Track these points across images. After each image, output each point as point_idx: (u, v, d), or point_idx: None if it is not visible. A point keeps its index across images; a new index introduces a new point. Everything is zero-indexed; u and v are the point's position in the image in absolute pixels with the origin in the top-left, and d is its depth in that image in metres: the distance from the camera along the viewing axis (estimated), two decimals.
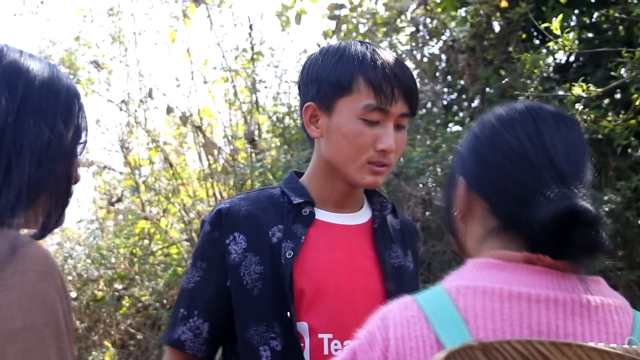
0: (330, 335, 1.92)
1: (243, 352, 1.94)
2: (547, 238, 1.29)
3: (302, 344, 1.91)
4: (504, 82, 5.60)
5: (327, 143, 2.00)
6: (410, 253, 2.13)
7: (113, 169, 7.28)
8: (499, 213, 1.39)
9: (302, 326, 1.93)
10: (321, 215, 2.03)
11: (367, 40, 2.06)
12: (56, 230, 7.32)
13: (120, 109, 6.90)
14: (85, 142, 1.55)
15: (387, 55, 1.97)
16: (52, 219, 1.47)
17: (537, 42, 5.91)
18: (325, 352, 1.91)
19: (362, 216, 2.09)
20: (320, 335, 1.92)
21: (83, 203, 7.55)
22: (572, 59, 5.93)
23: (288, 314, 1.91)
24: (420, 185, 5.32)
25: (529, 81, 5.01)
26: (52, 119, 1.45)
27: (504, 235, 1.38)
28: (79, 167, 1.58)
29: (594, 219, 1.27)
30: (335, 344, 1.92)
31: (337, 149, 1.97)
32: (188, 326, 1.99)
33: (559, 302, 1.29)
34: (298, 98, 2.14)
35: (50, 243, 7.49)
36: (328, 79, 1.97)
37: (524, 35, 5.92)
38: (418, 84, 6.32)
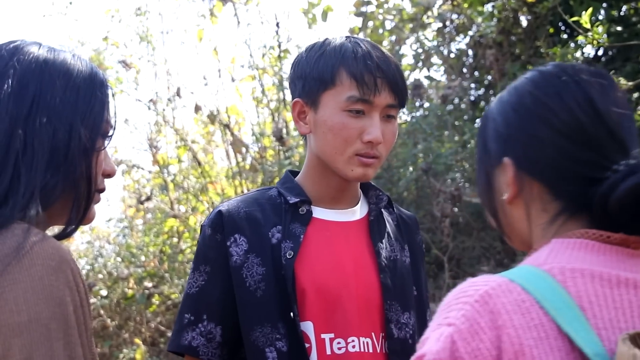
0: (332, 335, 1.91)
1: (249, 353, 1.92)
2: (625, 216, 1.19)
3: (308, 344, 1.90)
4: None
5: (315, 138, 1.99)
6: (407, 247, 2.11)
7: (142, 168, 7.32)
8: (563, 195, 1.28)
9: (307, 326, 1.91)
10: (318, 212, 2.03)
11: (353, 35, 2.06)
12: (86, 229, 7.33)
13: (149, 108, 6.93)
14: (112, 135, 1.51)
15: (370, 48, 1.96)
16: (74, 218, 1.45)
17: (564, 36, 5.87)
18: (328, 352, 1.90)
19: (359, 211, 2.08)
20: (322, 336, 1.91)
21: (112, 202, 7.62)
22: (600, 52, 5.89)
23: (291, 314, 1.90)
24: (449, 181, 5.31)
25: None
26: (69, 116, 1.41)
27: (574, 217, 1.27)
28: (107, 160, 1.53)
29: None
30: (339, 343, 1.91)
31: (324, 143, 1.96)
32: (198, 331, 1.96)
33: None
34: None
35: (80, 242, 7.55)
36: (312, 73, 1.97)
37: (551, 30, 5.88)
38: (445, 80, 6.34)
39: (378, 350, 1.93)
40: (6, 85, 1.38)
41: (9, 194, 1.34)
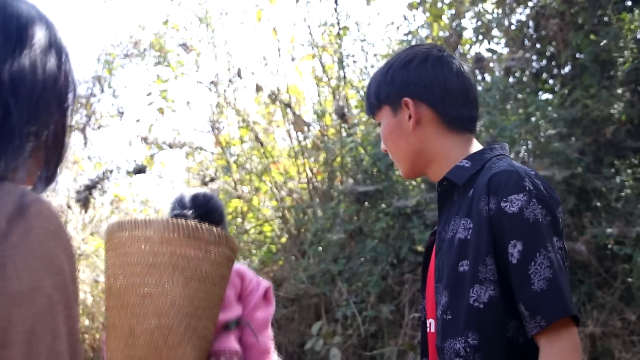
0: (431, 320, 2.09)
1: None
2: None
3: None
4: (601, 44, 5.43)
5: None
6: (467, 220, 1.97)
7: (205, 150, 7.38)
8: None
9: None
10: None
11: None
12: (151, 212, 7.31)
13: (210, 90, 6.98)
14: (75, 90, 1.39)
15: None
16: (51, 171, 1.32)
17: (629, 3, 5.73)
18: (432, 330, 2.07)
19: None
20: (429, 321, 2.10)
21: (176, 184, 7.69)
22: None
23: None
24: (514, 154, 5.24)
25: (623, 44, 4.86)
26: (44, 62, 1.29)
27: None
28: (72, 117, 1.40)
29: None
30: (430, 324, 2.08)
31: None
32: None
33: None
34: None
35: None
36: None
37: None
38: (506, 52, 6.24)
39: (433, 330, 2.06)
40: None
41: None
